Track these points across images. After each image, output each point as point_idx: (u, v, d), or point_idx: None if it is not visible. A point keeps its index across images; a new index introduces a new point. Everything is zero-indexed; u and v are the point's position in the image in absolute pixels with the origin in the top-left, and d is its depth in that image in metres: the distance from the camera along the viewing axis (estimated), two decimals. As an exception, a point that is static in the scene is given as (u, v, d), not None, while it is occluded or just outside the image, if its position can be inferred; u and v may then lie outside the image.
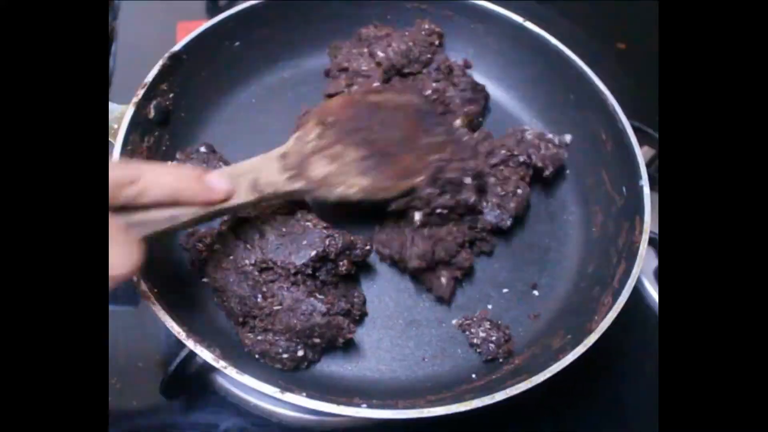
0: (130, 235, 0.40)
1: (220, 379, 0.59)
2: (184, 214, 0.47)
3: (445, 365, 0.56)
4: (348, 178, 0.53)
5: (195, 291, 0.57)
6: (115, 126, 0.58)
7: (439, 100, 0.65)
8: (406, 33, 0.71)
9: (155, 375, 0.58)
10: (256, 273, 0.53)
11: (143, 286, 0.50)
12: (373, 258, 0.60)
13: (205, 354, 0.48)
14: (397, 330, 0.57)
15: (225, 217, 0.57)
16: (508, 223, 0.61)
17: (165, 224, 0.46)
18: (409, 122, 0.59)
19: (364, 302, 0.57)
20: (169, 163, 0.62)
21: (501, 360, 0.56)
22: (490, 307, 0.59)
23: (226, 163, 0.61)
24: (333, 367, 0.55)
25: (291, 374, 0.53)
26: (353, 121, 0.56)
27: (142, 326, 0.62)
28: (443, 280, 0.57)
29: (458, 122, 0.63)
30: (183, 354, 0.52)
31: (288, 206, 0.56)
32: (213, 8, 0.88)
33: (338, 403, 0.47)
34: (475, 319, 0.57)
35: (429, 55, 0.70)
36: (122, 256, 0.38)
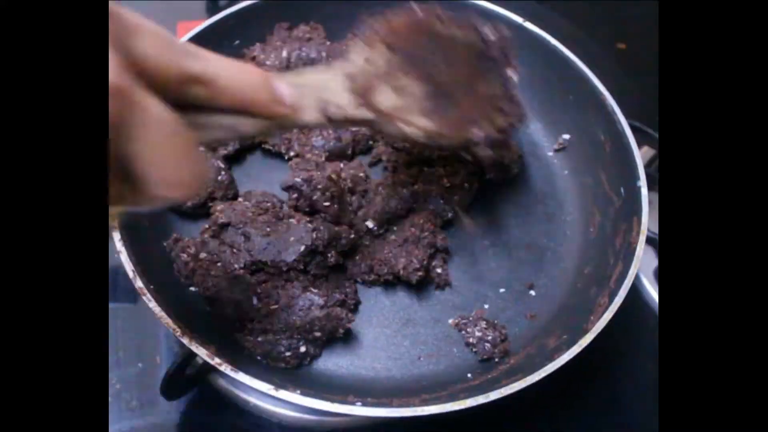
0: (195, 141, 0.35)
1: (220, 380, 0.59)
2: (246, 124, 0.41)
3: (440, 364, 0.56)
4: (411, 116, 0.49)
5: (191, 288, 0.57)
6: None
7: (499, 45, 0.58)
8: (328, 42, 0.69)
9: (155, 375, 0.58)
10: (248, 276, 0.53)
11: (139, 283, 0.50)
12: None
13: (199, 351, 0.48)
14: (393, 329, 0.57)
15: (206, 225, 0.57)
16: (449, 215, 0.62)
17: (225, 133, 0.41)
18: (469, 63, 0.54)
19: (356, 291, 0.58)
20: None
21: (497, 359, 0.56)
22: (486, 306, 0.59)
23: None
24: (328, 364, 0.55)
25: (288, 372, 0.53)
26: (420, 51, 0.51)
27: (142, 326, 0.62)
28: (439, 270, 0.58)
29: (511, 73, 0.57)
30: (183, 354, 0.52)
31: (272, 209, 0.56)
32: (213, 8, 0.88)
33: (332, 401, 0.47)
34: (471, 318, 0.57)
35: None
36: (191, 167, 0.33)
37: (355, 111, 0.46)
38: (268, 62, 0.66)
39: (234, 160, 0.66)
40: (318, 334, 0.53)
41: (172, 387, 0.53)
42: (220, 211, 0.57)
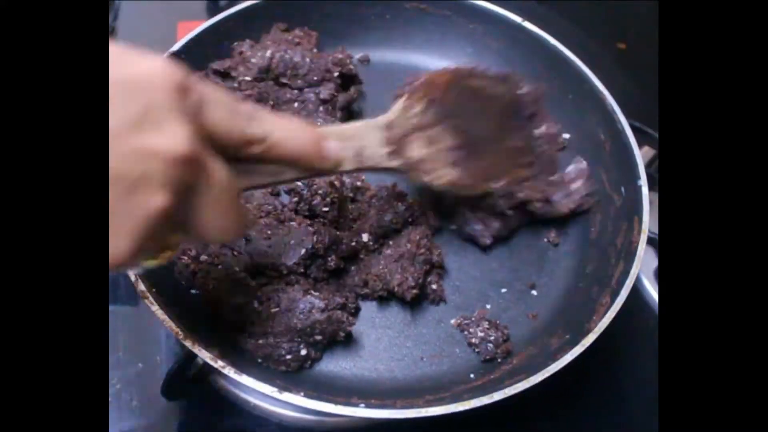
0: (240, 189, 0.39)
1: (220, 380, 0.59)
2: (290, 172, 0.43)
3: (443, 365, 0.56)
4: (439, 166, 0.52)
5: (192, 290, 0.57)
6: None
7: (533, 99, 0.60)
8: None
9: (155, 375, 0.58)
10: (249, 279, 0.53)
11: (141, 286, 0.50)
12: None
13: (203, 354, 0.48)
14: (396, 329, 0.57)
15: None
16: (488, 242, 0.62)
17: (267, 179, 0.43)
18: (499, 117, 0.57)
19: (356, 295, 0.58)
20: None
21: (499, 360, 0.56)
22: (488, 306, 0.59)
23: None
24: (331, 366, 0.55)
25: (291, 374, 0.53)
26: (454, 105, 0.54)
27: (143, 326, 0.62)
28: (434, 286, 0.58)
29: (543, 129, 0.61)
30: (183, 355, 0.52)
31: (273, 212, 0.56)
32: (213, 8, 0.88)
33: (336, 403, 0.47)
34: (473, 318, 0.57)
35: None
36: (238, 216, 0.37)
37: (385, 160, 0.49)
38: (253, 59, 0.65)
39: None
40: (319, 337, 0.53)
41: (172, 387, 0.53)
42: None
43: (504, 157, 0.56)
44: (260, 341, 0.52)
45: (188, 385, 0.54)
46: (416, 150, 0.51)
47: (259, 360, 0.53)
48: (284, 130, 0.40)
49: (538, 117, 0.61)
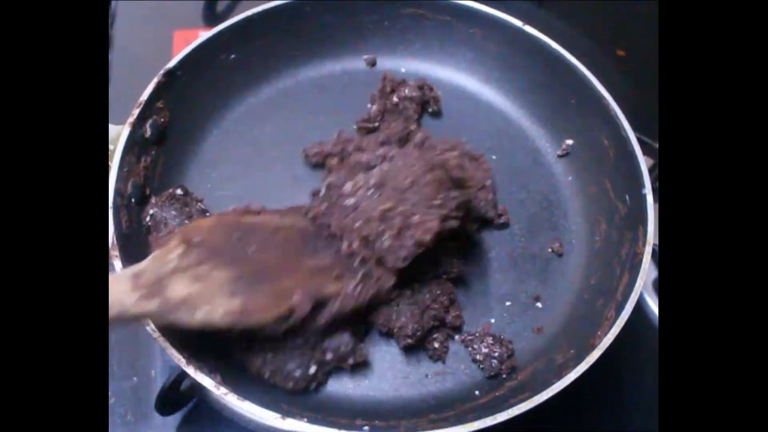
0: None
1: (214, 395, 0.58)
2: None
3: (447, 382, 0.55)
4: (214, 299, 0.48)
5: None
6: (111, 147, 0.58)
7: (326, 224, 0.55)
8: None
9: (150, 389, 0.58)
10: None
11: (142, 313, 0.50)
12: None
13: (205, 381, 0.48)
14: (399, 347, 0.57)
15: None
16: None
17: None
18: (290, 244, 0.54)
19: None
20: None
21: (504, 376, 0.55)
22: (492, 321, 0.59)
23: (203, 204, 0.61)
24: (336, 386, 0.55)
25: (292, 395, 0.53)
26: (223, 243, 0.51)
27: (137, 340, 0.62)
28: (436, 344, 0.56)
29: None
30: (177, 370, 0.52)
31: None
32: (210, 17, 0.87)
33: (339, 427, 0.47)
34: (477, 334, 0.57)
35: None
36: None
37: (135, 306, 0.46)
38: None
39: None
40: (329, 357, 0.53)
41: (166, 402, 0.53)
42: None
43: (307, 276, 0.52)
44: (269, 355, 0.52)
45: (182, 399, 0.54)
46: (179, 289, 0.48)
47: (267, 375, 0.52)
48: None
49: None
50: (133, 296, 0.46)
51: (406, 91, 0.69)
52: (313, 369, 0.53)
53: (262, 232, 0.54)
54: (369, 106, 0.70)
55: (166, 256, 0.49)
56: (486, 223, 0.63)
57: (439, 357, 0.56)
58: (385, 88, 0.70)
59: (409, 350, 0.56)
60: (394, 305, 0.55)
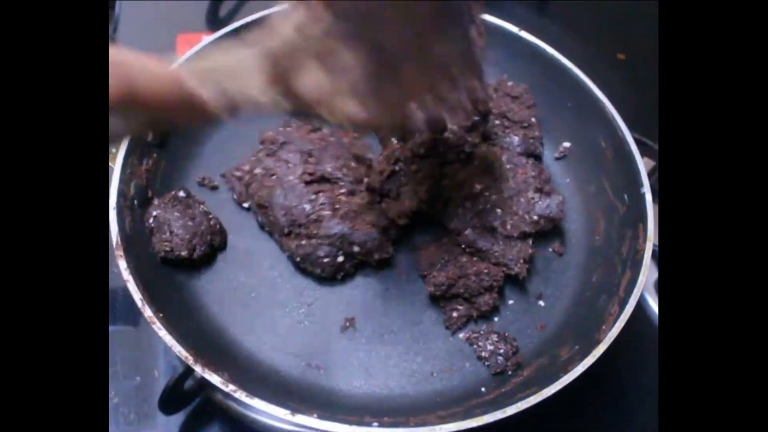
0: None
1: (218, 394, 0.58)
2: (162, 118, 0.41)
3: (453, 379, 0.56)
4: (338, 101, 0.41)
5: (200, 313, 0.57)
6: (114, 150, 0.58)
7: None
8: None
9: (153, 389, 0.58)
10: (302, 185, 0.59)
11: (148, 311, 0.50)
12: (380, 278, 0.61)
13: (213, 378, 0.47)
14: (405, 346, 0.57)
15: (260, 147, 0.64)
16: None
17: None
18: (426, 17, 0.42)
19: (398, 227, 0.60)
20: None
21: (510, 372, 0.55)
22: (496, 319, 0.59)
23: (205, 206, 0.61)
24: (342, 385, 0.55)
25: (300, 392, 0.53)
26: (364, 15, 0.40)
27: (140, 340, 0.61)
28: (455, 314, 0.57)
29: (475, 34, 0.45)
30: (181, 368, 0.52)
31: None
32: (213, 21, 0.88)
33: (349, 423, 0.47)
34: (482, 332, 0.57)
35: None
36: None
37: (267, 105, 0.40)
38: None
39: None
40: (357, 249, 0.58)
41: (170, 401, 0.52)
42: (275, 134, 0.64)
43: (428, 68, 0.43)
44: (302, 242, 0.57)
45: (186, 398, 0.53)
46: (309, 82, 0.40)
47: (298, 259, 0.58)
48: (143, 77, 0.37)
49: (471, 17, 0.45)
50: (264, 93, 0.40)
51: None
52: (340, 258, 0.58)
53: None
54: None
55: (305, 31, 0.39)
56: (534, 159, 0.65)
57: (450, 327, 0.58)
58: None
59: (434, 301, 0.59)
60: (441, 258, 0.58)
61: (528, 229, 0.59)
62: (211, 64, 0.41)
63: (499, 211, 0.59)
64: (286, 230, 0.58)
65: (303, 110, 0.42)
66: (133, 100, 0.37)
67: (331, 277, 0.59)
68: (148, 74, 0.38)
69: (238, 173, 0.63)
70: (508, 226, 0.59)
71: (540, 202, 0.60)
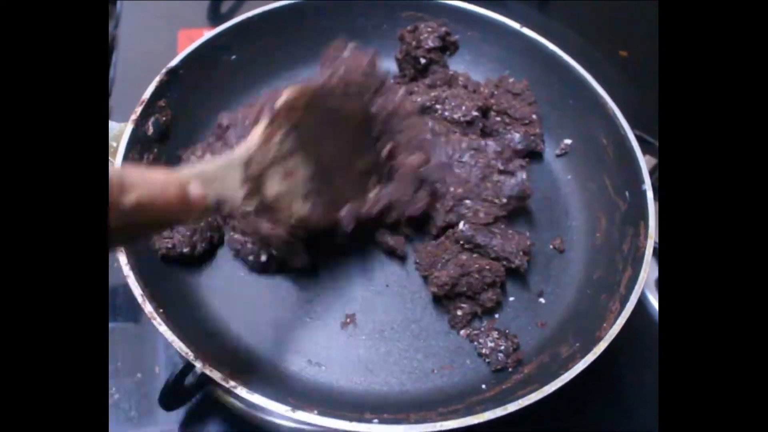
0: None
1: (218, 390, 0.58)
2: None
3: (454, 376, 0.56)
4: (293, 202, 0.49)
5: (200, 309, 0.57)
6: (114, 144, 0.58)
7: (381, 117, 0.57)
8: None
9: (154, 385, 0.58)
10: None
11: (149, 307, 0.49)
12: (381, 275, 0.61)
13: (214, 374, 0.47)
14: (405, 342, 0.57)
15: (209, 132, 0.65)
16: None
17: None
18: (351, 138, 0.54)
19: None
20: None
21: (510, 369, 0.55)
22: (497, 316, 0.59)
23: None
24: (342, 381, 0.55)
25: (300, 389, 0.53)
26: (312, 129, 0.50)
27: (141, 336, 0.61)
28: (459, 312, 0.57)
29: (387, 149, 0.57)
30: (181, 365, 0.52)
31: None
32: (214, 16, 0.88)
33: (350, 419, 0.47)
34: (482, 329, 0.57)
35: None
36: None
37: (242, 203, 0.46)
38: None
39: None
40: (274, 252, 0.58)
41: (170, 397, 0.52)
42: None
43: (352, 179, 0.53)
44: (236, 236, 0.58)
45: (186, 395, 0.53)
46: (273, 186, 0.47)
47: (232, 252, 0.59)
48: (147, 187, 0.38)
49: (386, 136, 0.57)
50: (241, 192, 0.45)
51: (429, 42, 0.69)
52: (264, 258, 0.58)
53: (337, 119, 0.53)
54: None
55: (270, 140, 0.47)
56: (535, 156, 0.66)
57: (455, 326, 0.57)
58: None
59: (437, 300, 0.59)
60: (441, 257, 0.57)
61: (500, 213, 0.59)
62: (204, 172, 0.44)
63: (468, 201, 0.59)
64: (227, 220, 0.59)
65: (265, 209, 0.48)
66: (143, 212, 0.38)
67: (261, 272, 0.59)
68: (154, 186, 0.39)
69: (193, 158, 0.63)
70: (481, 215, 0.59)
71: (506, 183, 0.60)
